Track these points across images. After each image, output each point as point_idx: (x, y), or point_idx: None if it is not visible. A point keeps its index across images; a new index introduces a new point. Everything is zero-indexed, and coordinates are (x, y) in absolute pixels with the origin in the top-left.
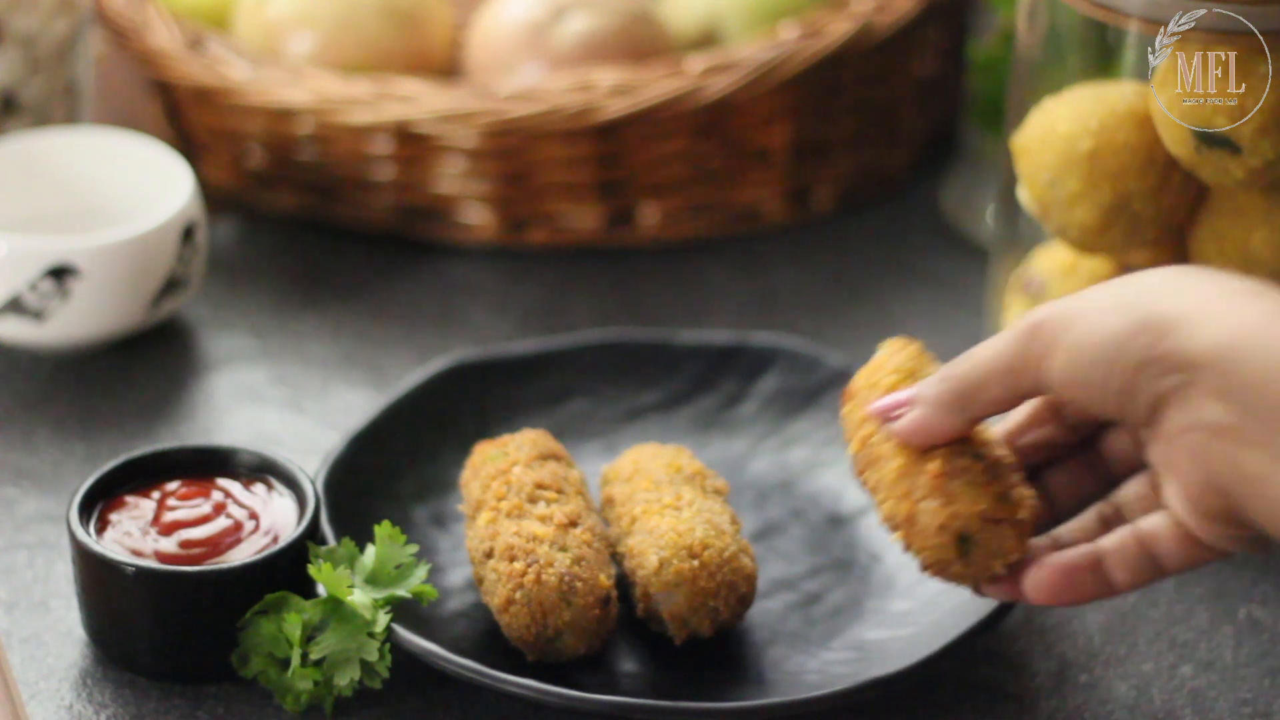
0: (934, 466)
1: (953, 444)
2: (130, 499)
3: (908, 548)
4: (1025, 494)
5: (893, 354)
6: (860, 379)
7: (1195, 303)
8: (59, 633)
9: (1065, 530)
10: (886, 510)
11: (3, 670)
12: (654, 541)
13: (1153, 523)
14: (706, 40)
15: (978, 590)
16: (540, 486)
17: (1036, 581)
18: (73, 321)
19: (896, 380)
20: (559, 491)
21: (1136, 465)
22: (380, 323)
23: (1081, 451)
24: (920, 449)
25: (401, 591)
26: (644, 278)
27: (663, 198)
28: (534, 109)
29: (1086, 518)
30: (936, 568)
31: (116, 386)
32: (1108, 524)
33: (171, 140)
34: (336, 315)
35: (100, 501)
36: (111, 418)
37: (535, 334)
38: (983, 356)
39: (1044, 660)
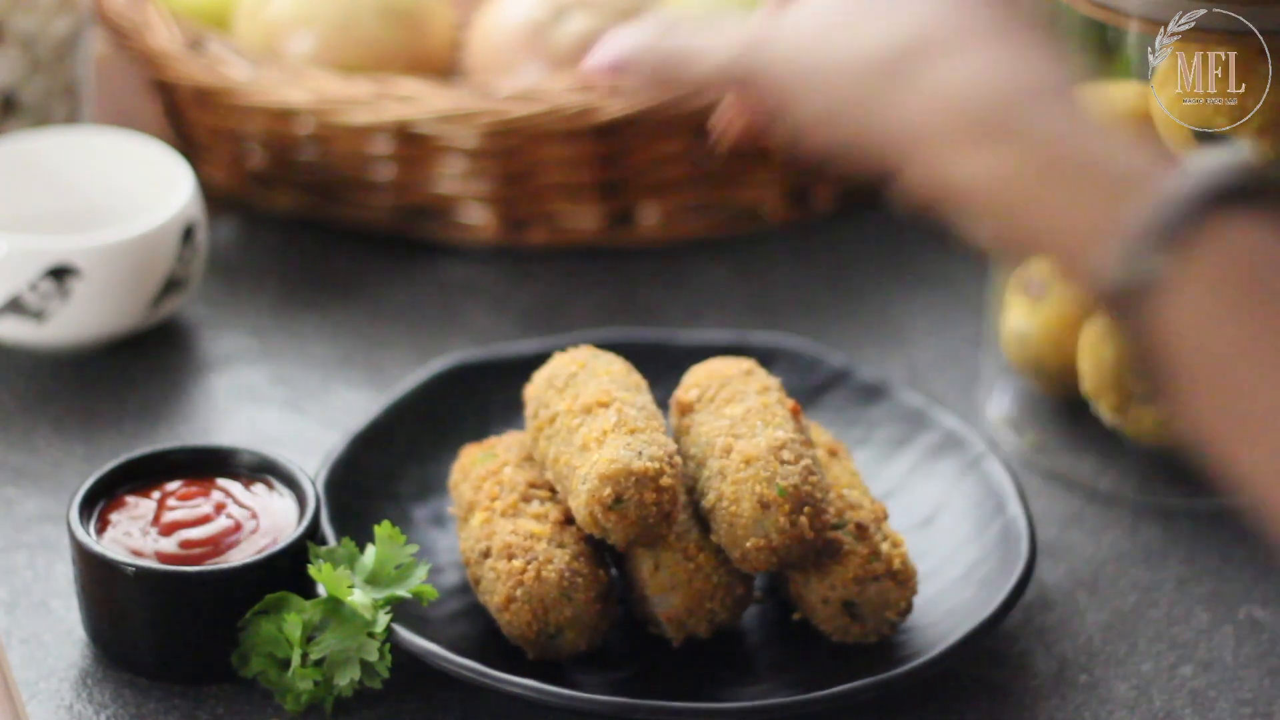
0: None
1: None
2: (130, 499)
3: None
4: None
5: None
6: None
7: None
8: (59, 633)
9: None
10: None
11: (3, 670)
12: None
13: None
14: None
15: None
16: (533, 485)
17: None
18: (73, 321)
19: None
20: (552, 490)
21: None
22: (380, 323)
23: None
24: None
25: (401, 591)
26: (644, 278)
27: (663, 198)
28: (534, 109)
29: None
30: None
31: (116, 386)
32: None
33: (171, 140)
34: (336, 315)
35: (100, 501)
36: (111, 418)
37: (535, 334)
38: None
39: (1044, 660)
